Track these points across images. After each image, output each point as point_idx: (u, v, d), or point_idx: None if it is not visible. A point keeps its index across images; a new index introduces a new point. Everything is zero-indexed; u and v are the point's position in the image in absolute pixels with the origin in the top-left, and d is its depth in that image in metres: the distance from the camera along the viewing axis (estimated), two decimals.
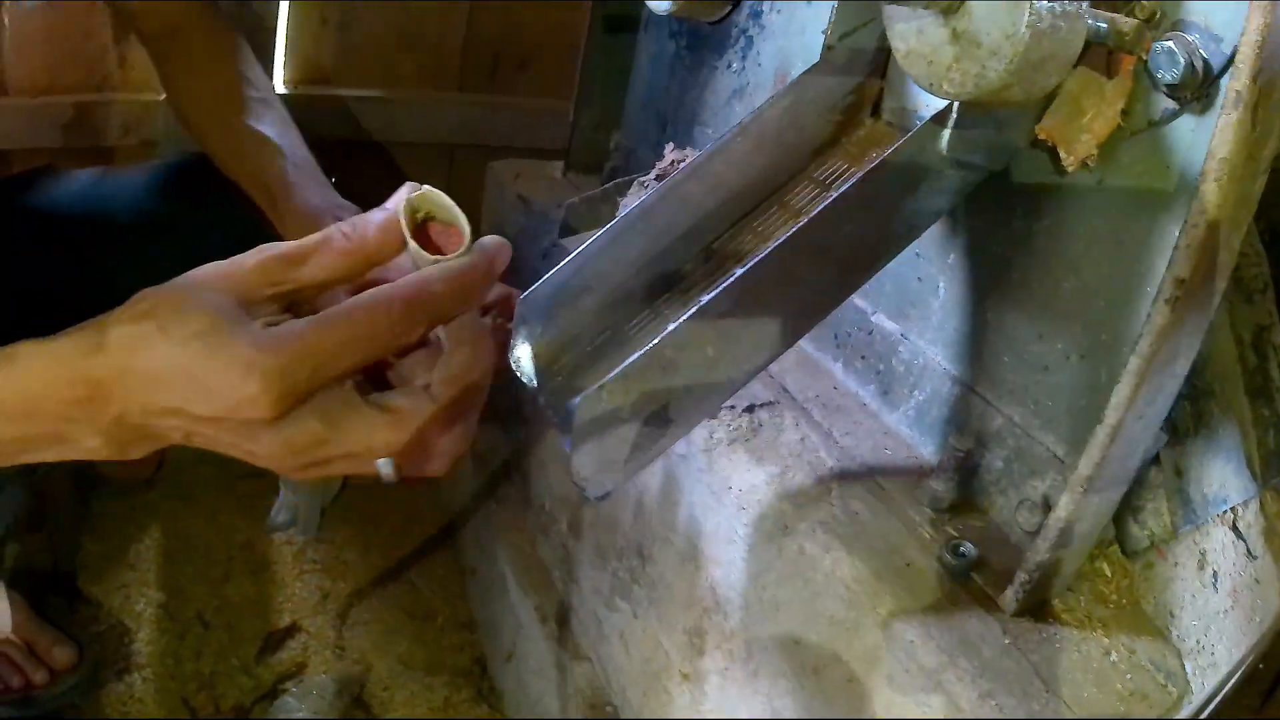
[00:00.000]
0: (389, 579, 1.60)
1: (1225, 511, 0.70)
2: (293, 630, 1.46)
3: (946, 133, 0.64)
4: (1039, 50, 0.50)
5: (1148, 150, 0.66)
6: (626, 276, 0.70)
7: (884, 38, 0.74)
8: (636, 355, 0.57)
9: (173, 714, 1.33)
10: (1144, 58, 0.62)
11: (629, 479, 0.61)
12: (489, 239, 0.60)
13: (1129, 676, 0.67)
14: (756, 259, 0.59)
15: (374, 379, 0.62)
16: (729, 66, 1.13)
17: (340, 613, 1.51)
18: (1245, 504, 0.69)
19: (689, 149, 1.12)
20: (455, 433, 0.60)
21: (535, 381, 0.67)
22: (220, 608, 1.49)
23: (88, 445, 0.58)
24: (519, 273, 0.79)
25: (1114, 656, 0.69)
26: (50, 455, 0.60)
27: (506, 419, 1.41)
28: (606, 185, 1.18)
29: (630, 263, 0.70)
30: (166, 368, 0.55)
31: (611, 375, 0.56)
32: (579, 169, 1.42)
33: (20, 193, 1.22)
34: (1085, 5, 0.52)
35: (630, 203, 1.11)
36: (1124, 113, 0.65)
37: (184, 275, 0.59)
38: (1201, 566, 0.71)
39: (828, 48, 0.76)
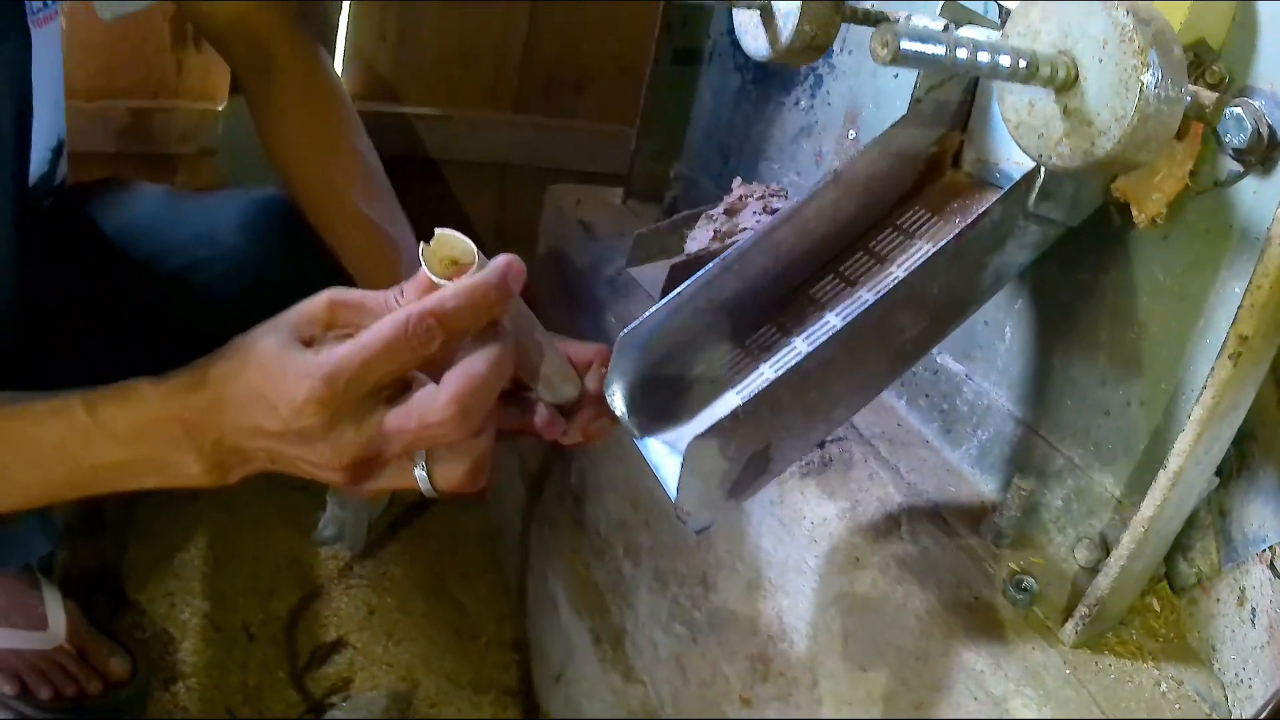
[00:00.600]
0: (435, 596, 1.67)
1: (1264, 550, 0.77)
2: (339, 645, 1.53)
3: (1034, 193, 0.72)
4: (1144, 131, 0.57)
5: (1212, 210, 0.73)
6: (719, 318, 0.78)
7: (967, 92, 0.82)
8: (748, 399, 0.65)
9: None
10: (1212, 123, 0.69)
11: (729, 514, 0.69)
12: (500, 257, 0.70)
13: (1178, 706, 0.74)
14: (862, 308, 0.68)
15: None
16: (797, 104, 1.21)
17: (388, 629, 1.57)
18: None
19: (755, 183, 1.20)
20: (473, 438, 0.69)
21: (627, 415, 0.75)
22: (266, 620, 1.55)
23: (189, 471, 0.71)
24: (582, 297, 0.87)
25: (1164, 687, 0.76)
26: (152, 481, 0.72)
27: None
28: (674, 218, 1.25)
29: (723, 304, 0.78)
30: (247, 392, 0.67)
31: (723, 417, 0.64)
32: (639, 196, 1.50)
33: (89, 202, 1.26)
34: (1187, 86, 0.59)
35: (697, 235, 1.19)
36: (1191, 173, 0.72)
37: (263, 323, 0.71)
38: (1241, 603, 0.78)
39: (916, 100, 0.84)
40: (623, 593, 1.26)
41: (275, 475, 0.72)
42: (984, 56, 0.56)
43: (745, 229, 1.13)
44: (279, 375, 0.66)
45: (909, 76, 1.03)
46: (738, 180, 1.19)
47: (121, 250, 1.22)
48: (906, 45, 0.50)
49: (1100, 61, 0.58)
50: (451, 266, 0.69)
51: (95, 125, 1.64)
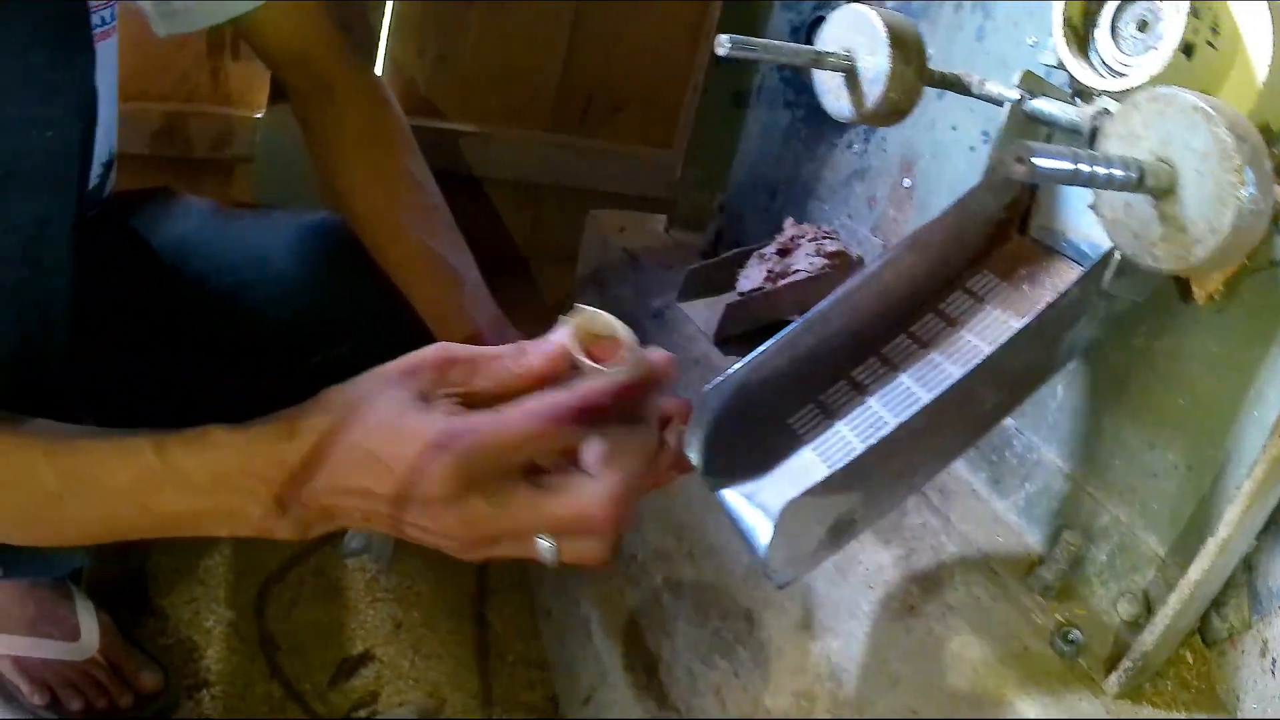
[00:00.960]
0: (462, 613, 1.71)
1: None
2: (366, 658, 1.56)
3: (1109, 273, 0.78)
4: (1236, 241, 0.63)
5: (1267, 286, 0.80)
6: (798, 373, 0.84)
7: None
8: (838, 465, 0.71)
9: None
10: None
11: (811, 570, 0.75)
12: (656, 352, 0.72)
13: None
14: (949, 382, 0.74)
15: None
16: (849, 146, 1.27)
17: (414, 643, 1.61)
18: None
19: (806, 224, 1.26)
20: (612, 517, 0.67)
21: (704, 468, 0.81)
22: (291, 631, 1.58)
23: (264, 525, 0.70)
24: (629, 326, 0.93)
25: None
26: (222, 531, 0.72)
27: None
28: (725, 255, 1.31)
29: (799, 361, 0.84)
30: (355, 451, 0.66)
31: (815, 483, 0.69)
32: (682, 226, 1.55)
33: (135, 213, 1.29)
34: (1273, 196, 0.64)
35: (749, 274, 1.24)
36: (1249, 253, 0.77)
37: (364, 374, 0.71)
38: (1263, 654, 0.84)
39: (991, 168, 0.89)
40: (660, 621, 1.31)
41: None
42: (1102, 170, 0.61)
43: (799, 270, 1.18)
44: (398, 437, 0.65)
45: (966, 130, 1.09)
46: (789, 220, 1.25)
47: (169, 265, 1.25)
48: (1041, 164, 0.56)
49: (1200, 174, 0.63)
50: (592, 341, 0.71)
51: (128, 127, 1.61)
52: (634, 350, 0.71)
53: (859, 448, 0.74)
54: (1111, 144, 0.66)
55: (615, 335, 0.71)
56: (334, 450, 0.67)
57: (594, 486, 0.66)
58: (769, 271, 1.21)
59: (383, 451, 0.65)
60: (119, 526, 0.72)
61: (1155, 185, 0.64)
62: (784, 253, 1.22)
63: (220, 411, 1.33)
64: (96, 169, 1.20)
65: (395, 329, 1.22)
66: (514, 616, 1.71)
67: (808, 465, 0.80)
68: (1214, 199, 0.63)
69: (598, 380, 0.68)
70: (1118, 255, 0.78)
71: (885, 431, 0.74)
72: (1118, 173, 0.63)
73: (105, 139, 1.23)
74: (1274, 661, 0.82)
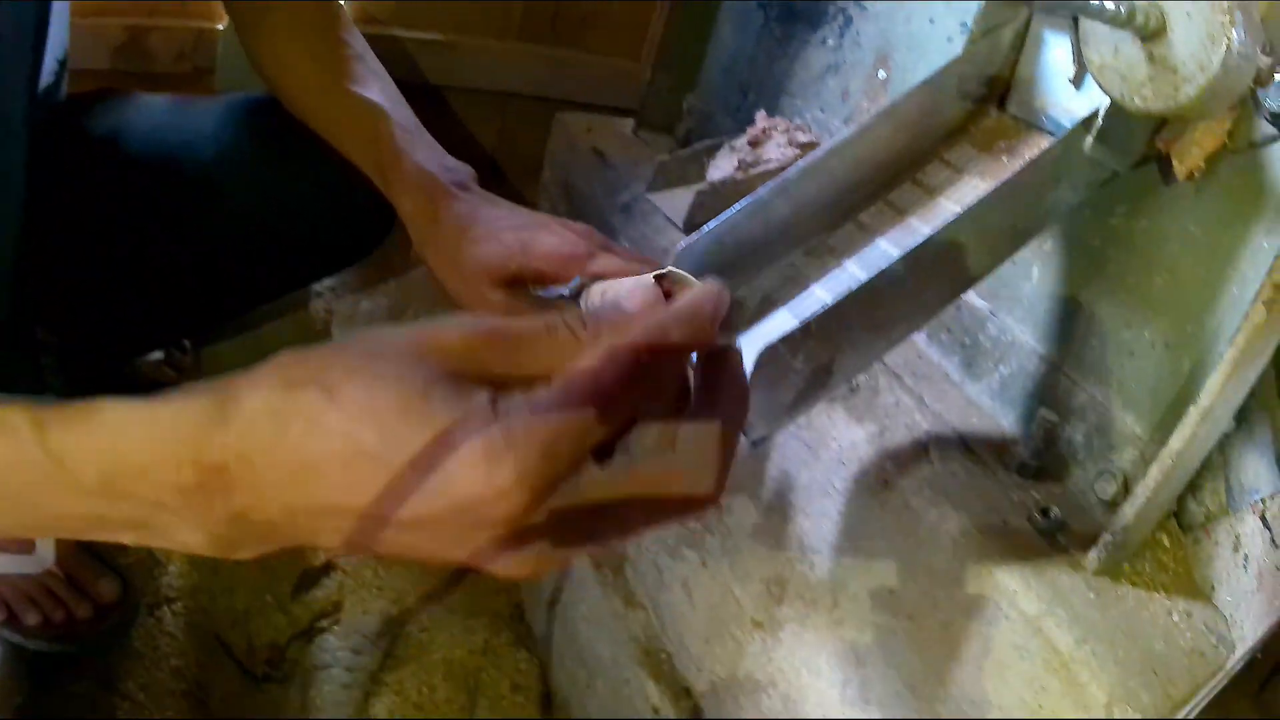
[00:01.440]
0: None
1: (1257, 501, 0.83)
2: (328, 569, 1.55)
3: (1091, 136, 0.77)
4: (1225, 83, 0.63)
5: (1246, 168, 0.79)
6: (770, 237, 0.82)
7: (1018, 38, 0.87)
8: (816, 310, 0.69)
9: (205, 650, 1.40)
10: (1263, 86, 0.74)
11: (786, 426, 0.73)
12: (707, 285, 0.54)
13: (1189, 635, 0.80)
14: (933, 231, 0.72)
15: None
16: (824, 42, 1.25)
17: None
18: (1272, 497, 0.82)
19: (778, 118, 1.24)
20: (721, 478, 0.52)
21: None
22: None
23: (181, 539, 0.49)
24: (593, 224, 0.92)
25: (1175, 617, 0.81)
26: (128, 539, 0.51)
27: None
28: (696, 146, 1.29)
29: (773, 226, 0.82)
30: (347, 456, 0.45)
31: (791, 329, 0.68)
32: (651, 128, 1.53)
33: (87, 113, 1.26)
34: (1260, 48, 0.65)
35: (720, 164, 1.22)
36: (1229, 133, 0.78)
37: (341, 340, 0.51)
38: (1236, 549, 0.84)
39: (971, 41, 0.88)
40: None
41: None
42: (1095, 0, 0.60)
43: (770, 160, 1.17)
44: (427, 429, 0.44)
45: (943, 23, 1.07)
46: (761, 113, 1.23)
47: (125, 163, 1.22)
48: None
49: (1189, 15, 0.63)
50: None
51: (90, 42, 1.62)
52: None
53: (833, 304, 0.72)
54: None
55: (687, 282, 0.60)
56: (305, 451, 0.46)
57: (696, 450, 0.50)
58: (740, 161, 1.19)
59: (400, 457, 0.44)
60: (14, 526, 0.56)
61: (1145, 25, 0.64)
62: (755, 144, 1.20)
63: (177, 312, 1.33)
64: (52, 65, 1.17)
65: (347, 201, 1.22)
66: None
67: (782, 323, 0.78)
68: (1204, 38, 0.63)
69: (665, 318, 0.50)
70: (1100, 118, 0.77)
71: (864, 280, 0.72)
72: (1110, 5, 0.62)
73: (60, 37, 1.20)
74: (1246, 557, 0.82)
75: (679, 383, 0.53)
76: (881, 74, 1.16)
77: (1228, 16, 0.62)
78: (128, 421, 0.48)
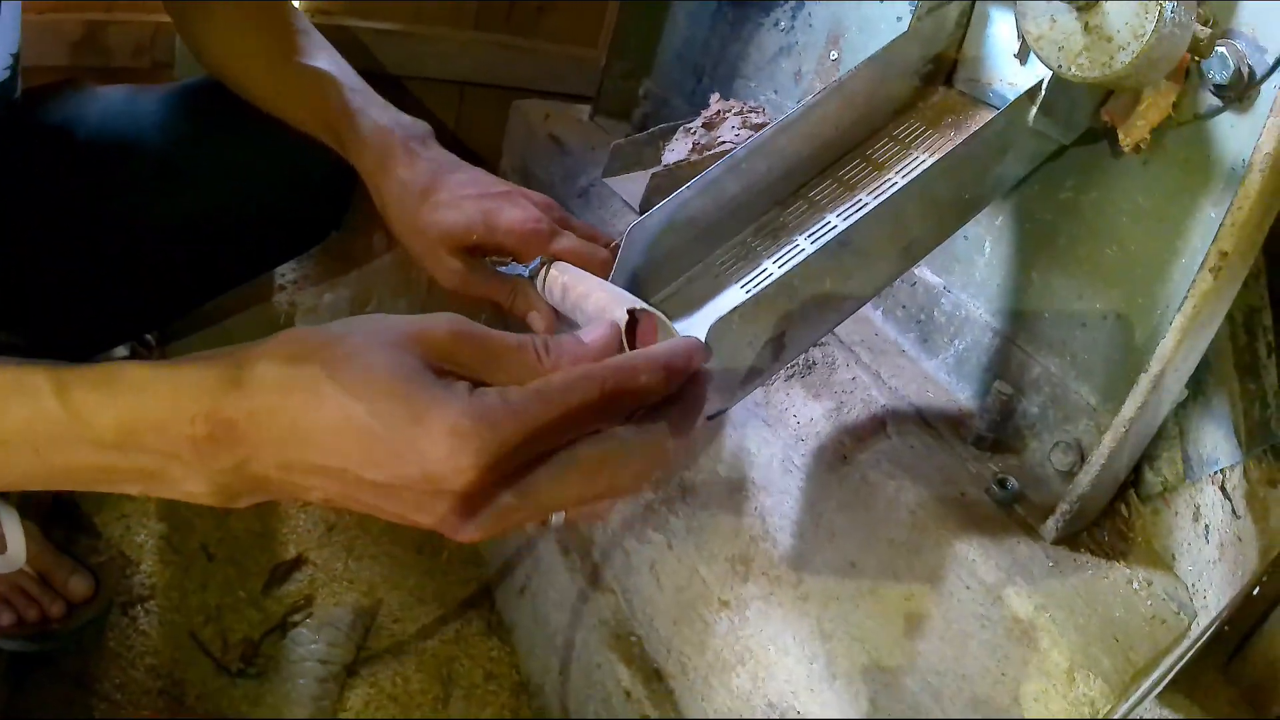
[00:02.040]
0: None
1: (1216, 472, 0.84)
2: (299, 563, 1.56)
3: (1034, 108, 0.77)
4: (1159, 50, 0.64)
5: (1190, 140, 0.80)
6: (720, 216, 0.83)
7: (964, 15, 0.87)
8: (766, 284, 0.70)
9: (180, 647, 1.40)
10: (1203, 58, 0.75)
11: (740, 400, 0.74)
12: (690, 340, 0.61)
13: (1149, 603, 0.81)
14: (879, 202, 0.73)
15: None
16: (776, 24, 1.25)
17: (347, 545, 1.60)
18: (1232, 468, 0.84)
19: (732, 100, 1.24)
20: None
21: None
22: (224, 540, 1.57)
23: (187, 488, 0.56)
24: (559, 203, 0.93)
25: (1135, 585, 0.82)
26: (134, 489, 0.58)
27: None
28: (651, 130, 1.29)
29: (724, 204, 0.83)
30: (338, 424, 0.52)
31: (743, 301, 0.68)
32: (607, 114, 1.53)
33: (43, 105, 1.25)
34: (1196, 14, 0.66)
35: (675, 147, 1.23)
36: (1174, 105, 0.79)
37: (342, 323, 0.58)
38: (1196, 519, 0.85)
39: (917, 19, 0.89)
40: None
41: None
42: None
43: (724, 142, 1.17)
44: (418, 416, 0.52)
45: (893, 3, 1.08)
46: (715, 95, 1.24)
47: (80, 148, 1.22)
48: None
49: None
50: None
51: (47, 37, 1.62)
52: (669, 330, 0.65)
53: (782, 275, 0.73)
54: None
55: (659, 321, 0.66)
56: (305, 418, 0.53)
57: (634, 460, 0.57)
58: (695, 144, 1.19)
59: (391, 434, 0.52)
60: (9, 476, 0.58)
61: None
62: (710, 126, 1.20)
63: (140, 304, 1.32)
64: (4, 59, 1.16)
65: (302, 181, 1.23)
66: None
67: (735, 298, 0.79)
68: (1137, 6, 0.64)
69: (635, 359, 0.58)
70: (1043, 90, 0.78)
71: (811, 251, 0.73)
72: None
73: (11, 31, 1.19)
74: (1207, 528, 0.84)
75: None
76: (833, 55, 1.17)
77: None
78: (149, 380, 0.55)
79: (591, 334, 0.62)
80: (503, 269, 0.93)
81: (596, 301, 0.74)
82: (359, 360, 0.54)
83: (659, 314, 0.66)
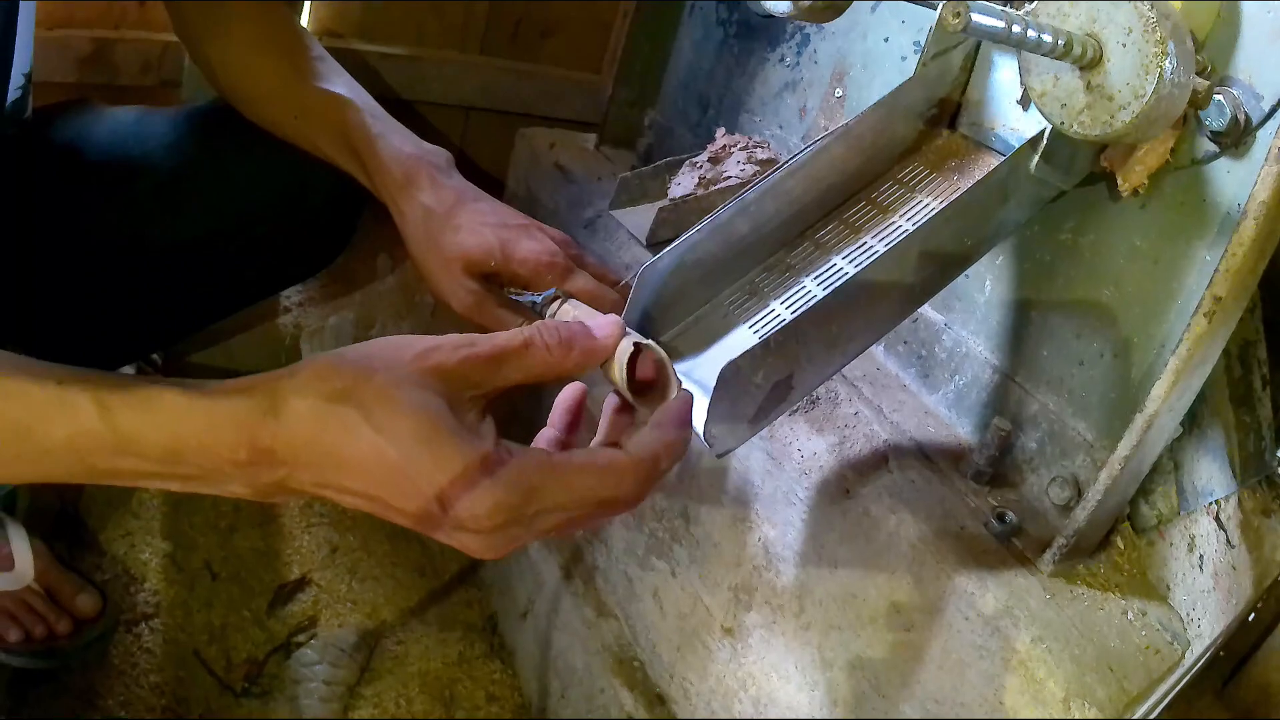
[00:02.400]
0: (398, 535, 1.71)
1: (1211, 503, 0.87)
2: (303, 583, 1.57)
3: (1037, 156, 0.80)
4: (1159, 109, 0.67)
5: (1187, 184, 0.83)
6: (729, 256, 0.86)
7: (968, 60, 0.90)
8: (776, 328, 0.72)
9: (184, 666, 1.41)
10: (1201, 107, 0.77)
11: (749, 439, 0.76)
12: (682, 401, 0.70)
13: (1143, 633, 0.84)
14: (887, 248, 0.76)
15: None
16: (782, 60, 1.28)
17: (350, 567, 1.62)
18: (1227, 499, 0.86)
19: (738, 134, 1.27)
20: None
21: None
22: (228, 559, 1.59)
23: (230, 491, 0.63)
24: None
25: (1130, 615, 0.85)
26: (175, 488, 0.63)
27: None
28: (658, 163, 1.32)
29: (733, 245, 0.85)
30: (373, 460, 0.59)
31: (754, 345, 0.71)
32: (612, 143, 1.56)
33: (54, 125, 1.27)
34: (1193, 74, 0.69)
35: (681, 181, 1.25)
36: (1172, 151, 0.82)
37: (363, 351, 0.64)
38: (1191, 549, 0.88)
39: (922, 64, 0.92)
40: (595, 528, 1.32)
41: None
42: (1032, 33, 0.64)
43: (729, 177, 1.20)
44: (435, 458, 0.59)
45: (897, 41, 1.11)
46: (721, 130, 1.26)
47: (89, 168, 1.23)
48: (977, 19, 0.58)
49: (1124, 46, 0.68)
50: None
51: (56, 54, 1.63)
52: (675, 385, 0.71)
53: (792, 320, 0.76)
54: (1041, 19, 0.69)
55: (660, 357, 0.72)
56: (341, 451, 0.60)
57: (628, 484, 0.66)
58: (701, 178, 1.22)
59: (416, 472, 0.59)
60: (53, 474, 0.62)
61: (1081, 55, 0.68)
62: (715, 160, 1.23)
63: (147, 324, 1.33)
64: (19, 79, 1.18)
65: (308, 204, 1.24)
66: None
67: (744, 339, 0.82)
68: (1138, 68, 0.67)
69: (658, 447, 0.67)
70: (1045, 139, 0.81)
71: (820, 297, 0.76)
72: (1047, 38, 0.66)
73: (25, 48, 1.20)
74: (1202, 558, 0.86)
75: None
76: (838, 92, 1.20)
77: (1160, 47, 0.66)
78: (189, 409, 0.60)
79: (601, 329, 0.70)
80: (516, 296, 0.96)
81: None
82: (389, 403, 0.59)
83: (660, 351, 0.71)
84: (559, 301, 0.88)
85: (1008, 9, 0.64)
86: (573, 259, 0.99)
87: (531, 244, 0.97)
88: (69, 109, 1.31)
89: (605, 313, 0.85)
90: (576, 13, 1.99)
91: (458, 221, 1.00)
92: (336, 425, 0.59)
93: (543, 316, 0.90)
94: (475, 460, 0.59)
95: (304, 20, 1.82)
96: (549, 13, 1.98)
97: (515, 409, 1.39)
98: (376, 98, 1.15)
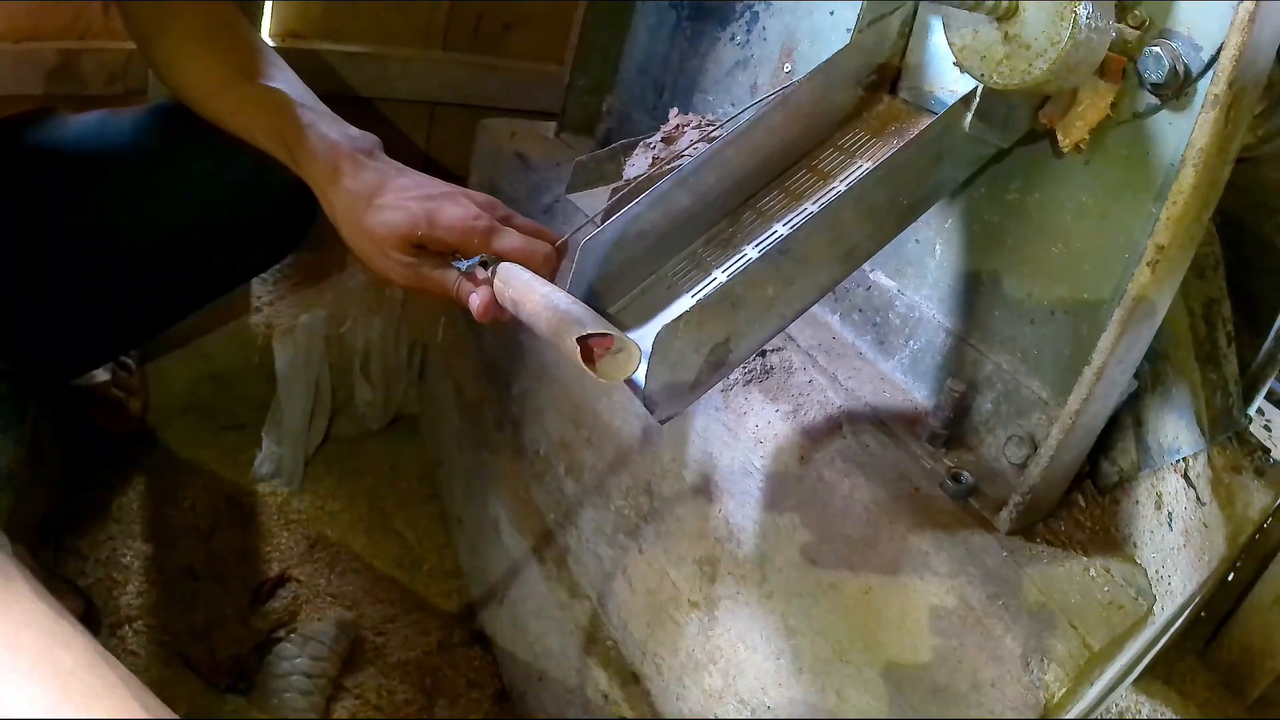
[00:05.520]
0: (375, 528, 1.71)
1: (1178, 461, 0.86)
2: (283, 579, 1.56)
3: (970, 114, 0.79)
4: (1076, 55, 0.66)
5: (1130, 138, 0.82)
6: (672, 228, 0.85)
7: (905, 25, 0.89)
8: (710, 292, 0.72)
9: (168, 666, 1.40)
10: (1134, 59, 0.76)
11: (690, 405, 0.75)
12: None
13: (1106, 589, 0.83)
14: (819, 210, 0.75)
15: None
16: (733, 39, 1.27)
17: (329, 561, 1.61)
18: (1195, 456, 0.85)
19: (691, 114, 1.26)
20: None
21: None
22: (208, 559, 1.58)
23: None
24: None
25: (1093, 572, 0.84)
26: None
27: (496, 371, 1.53)
28: (613, 146, 1.31)
29: (675, 216, 0.84)
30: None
31: (688, 309, 0.70)
32: (572, 130, 1.55)
33: (20, 133, 1.26)
34: (1113, 21, 0.68)
35: (635, 162, 1.24)
36: (1113, 105, 0.81)
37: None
38: (1158, 507, 0.87)
39: (859, 30, 0.91)
40: (565, 511, 1.32)
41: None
42: None
43: (683, 156, 1.19)
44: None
45: (843, 14, 1.10)
46: (674, 111, 1.25)
47: (56, 172, 1.23)
48: None
49: None
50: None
51: (23, 67, 1.63)
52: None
53: (726, 283, 0.75)
54: None
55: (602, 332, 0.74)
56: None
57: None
58: (654, 159, 1.21)
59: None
60: None
61: (995, 6, 0.68)
62: (669, 141, 1.22)
63: (119, 324, 1.33)
64: None
65: (266, 192, 1.25)
66: (427, 527, 1.72)
67: (682, 306, 0.81)
68: (1053, 16, 0.67)
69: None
70: (978, 97, 0.80)
71: (753, 260, 0.74)
72: None
73: None
74: (1170, 515, 0.86)
75: None
76: (787, 67, 1.19)
77: None
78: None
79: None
80: (457, 264, 0.97)
81: (545, 321, 0.78)
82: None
83: (605, 329, 0.73)
84: (492, 269, 0.88)
85: None
86: (501, 220, 1.00)
87: (455, 209, 0.98)
88: (35, 117, 1.30)
89: (537, 269, 0.87)
90: (538, 5, 1.99)
91: (380, 200, 1.01)
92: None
93: (474, 280, 0.91)
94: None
95: (265, 21, 1.82)
96: (510, 6, 1.98)
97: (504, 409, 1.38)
98: (340, 97, 1.16)
